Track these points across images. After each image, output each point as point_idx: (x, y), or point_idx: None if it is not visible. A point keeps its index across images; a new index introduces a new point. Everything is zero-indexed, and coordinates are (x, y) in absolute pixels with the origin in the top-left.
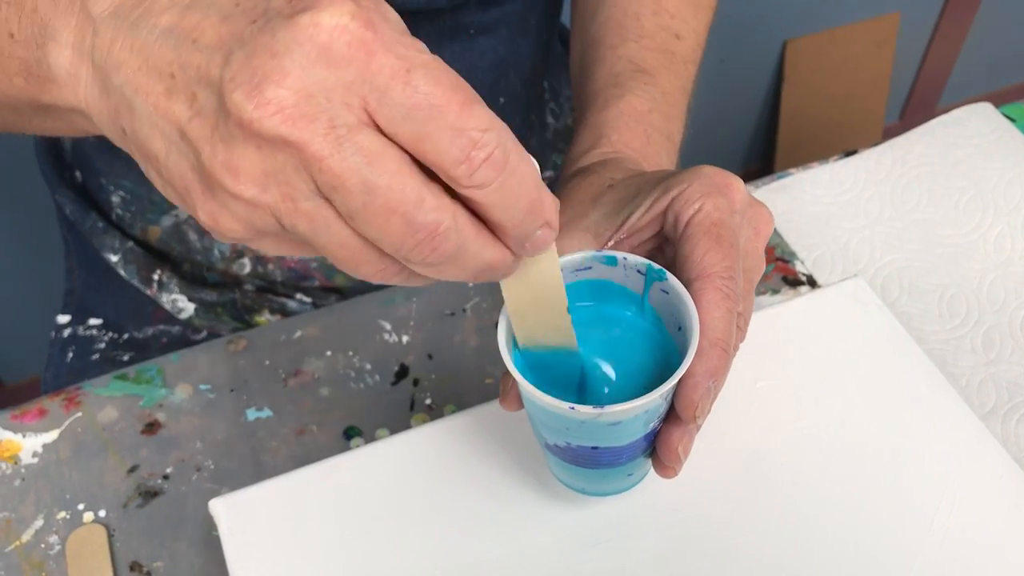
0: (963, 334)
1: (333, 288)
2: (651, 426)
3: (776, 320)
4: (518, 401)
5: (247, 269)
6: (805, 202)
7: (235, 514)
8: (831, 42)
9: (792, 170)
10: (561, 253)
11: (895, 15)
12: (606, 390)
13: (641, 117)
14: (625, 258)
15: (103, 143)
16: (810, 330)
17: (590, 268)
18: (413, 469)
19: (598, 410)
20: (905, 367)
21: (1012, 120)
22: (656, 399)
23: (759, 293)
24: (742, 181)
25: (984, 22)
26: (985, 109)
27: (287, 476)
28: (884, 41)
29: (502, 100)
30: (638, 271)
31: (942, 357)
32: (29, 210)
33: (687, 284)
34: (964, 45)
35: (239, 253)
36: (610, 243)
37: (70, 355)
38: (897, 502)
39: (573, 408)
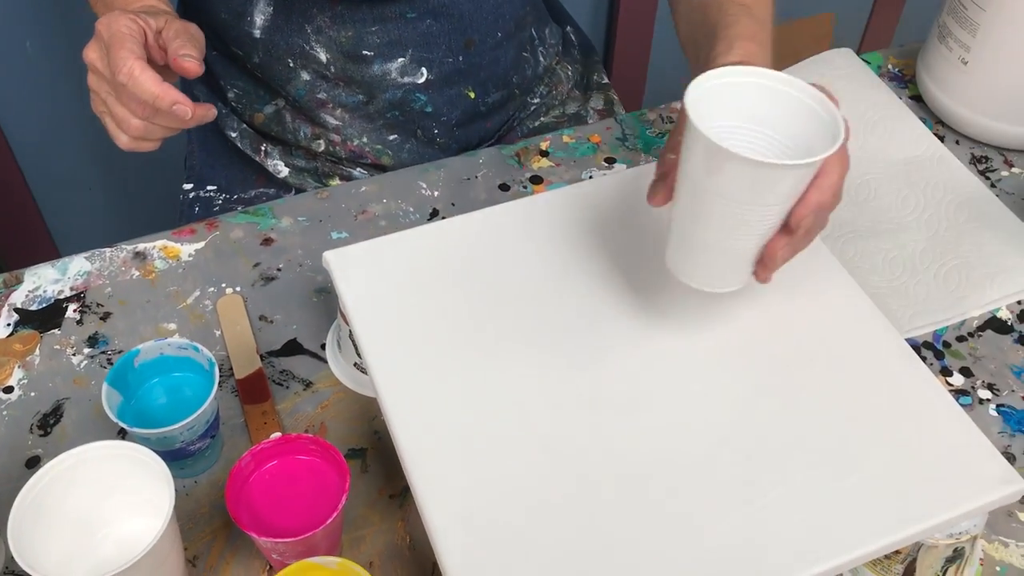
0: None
1: (379, 165)
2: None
3: None
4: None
5: (322, 148)
6: None
7: (344, 264)
8: (776, 35)
9: None
10: None
11: (830, 15)
12: None
13: (754, 34)
14: None
15: (219, 56)
16: None
17: None
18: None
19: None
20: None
21: (868, 63)
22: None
23: None
24: None
25: (908, 22)
26: (847, 53)
27: (384, 238)
28: (822, 36)
29: (499, 35)
30: None
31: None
32: None
33: None
34: (892, 42)
35: (316, 136)
36: None
37: (196, 210)
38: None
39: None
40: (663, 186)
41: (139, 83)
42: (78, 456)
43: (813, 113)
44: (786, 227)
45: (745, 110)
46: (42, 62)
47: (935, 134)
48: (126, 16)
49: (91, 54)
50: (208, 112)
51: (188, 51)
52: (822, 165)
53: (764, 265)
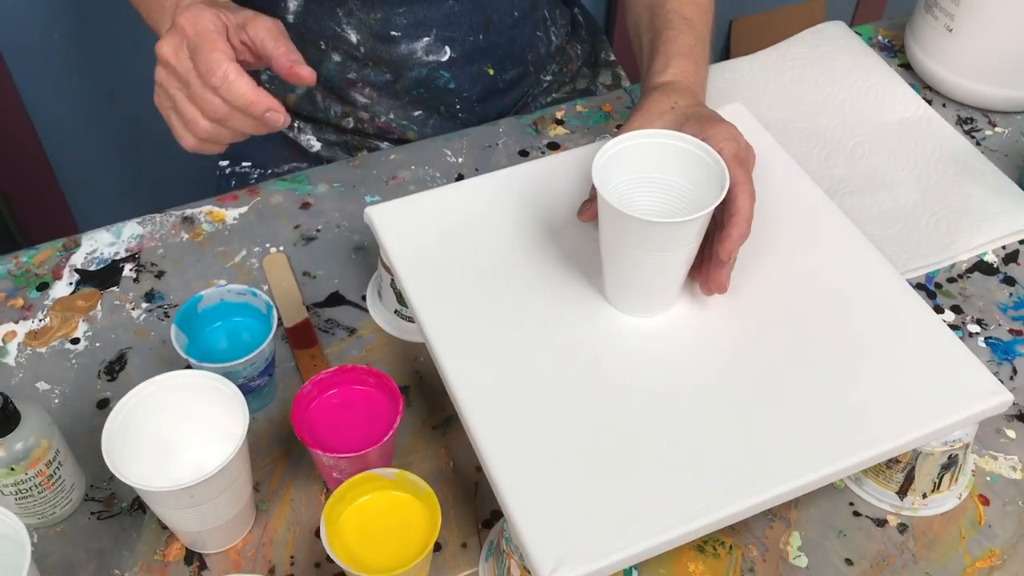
0: (812, 154)
1: (404, 139)
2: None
3: None
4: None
5: (351, 125)
6: (713, 78)
7: (384, 218)
8: (769, 22)
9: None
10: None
11: (822, 0)
12: None
13: (691, 50)
14: None
15: None
16: None
17: None
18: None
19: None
20: (771, 161)
21: (859, 34)
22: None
23: None
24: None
25: (894, 7)
26: (839, 25)
27: (420, 194)
28: (813, 22)
29: (516, 14)
30: None
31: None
32: None
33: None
34: None
35: (345, 114)
36: None
37: (233, 183)
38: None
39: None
40: (590, 206)
41: (234, 88)
42: (160, 384)
43: (704, 163)
44: (719, 261)
45: (649, 165)
46: (70, 53)
47: (923, 98)
48: (210, 11)
49: (166, 48)
50: (287, 120)
51: (297, 57)
52: (735, 201)
53: (709, 288)
